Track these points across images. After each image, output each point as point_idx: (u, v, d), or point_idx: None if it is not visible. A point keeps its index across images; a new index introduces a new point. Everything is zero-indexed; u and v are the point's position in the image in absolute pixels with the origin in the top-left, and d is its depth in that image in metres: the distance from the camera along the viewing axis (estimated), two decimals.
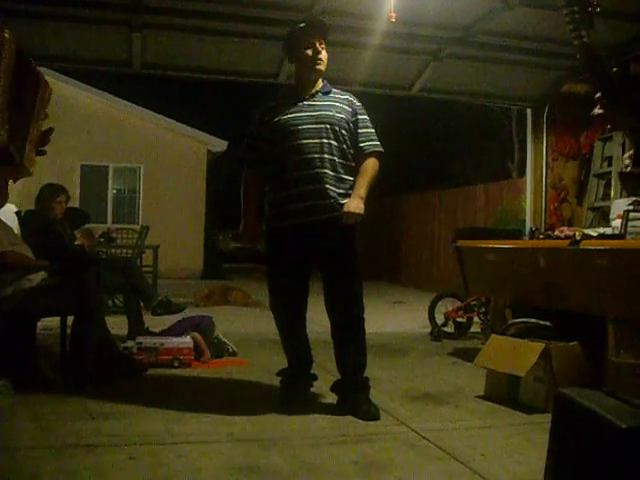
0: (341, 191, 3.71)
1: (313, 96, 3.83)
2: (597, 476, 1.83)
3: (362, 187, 3.74)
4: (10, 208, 5.12)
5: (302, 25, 3.85)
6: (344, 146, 3.77)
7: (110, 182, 15.84)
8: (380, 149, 3.86)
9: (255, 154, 3.89)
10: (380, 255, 14.79)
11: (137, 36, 5.65)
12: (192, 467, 2.80)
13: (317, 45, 3.77)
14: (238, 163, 3.99)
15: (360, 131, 3.84)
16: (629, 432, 1.75)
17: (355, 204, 3.66)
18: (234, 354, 5.29)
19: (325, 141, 3.71)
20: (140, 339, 4.91)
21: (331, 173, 3.70)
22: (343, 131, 3.77)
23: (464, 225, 10.74)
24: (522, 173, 10.53)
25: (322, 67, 3.81)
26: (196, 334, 5.12)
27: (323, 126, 3.72)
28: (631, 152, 2.30)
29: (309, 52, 3.77)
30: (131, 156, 15.61)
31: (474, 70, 6.45)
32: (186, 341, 4.95)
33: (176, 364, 4.77)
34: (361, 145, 3.83)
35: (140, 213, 15.76)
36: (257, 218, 3.87)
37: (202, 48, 6.01)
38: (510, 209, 10.52)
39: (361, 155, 3.82)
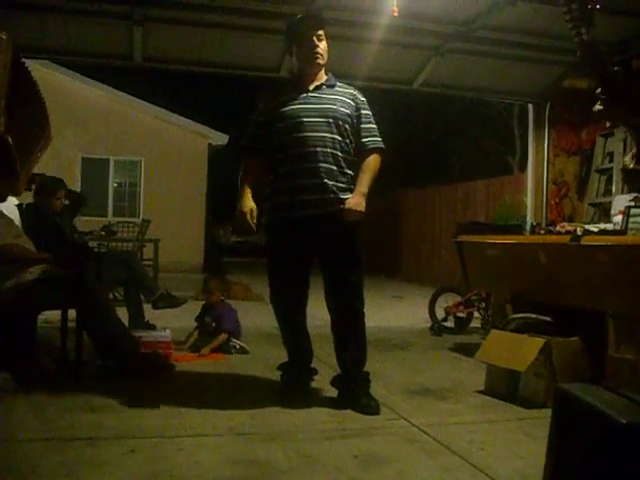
0: (342, 185, 3.71)
1: (318, 88, 3.81)
2: (597, 471, 1.83)
3: (364, 184, 3.73)
4: (12, 201, 5.12)
5: (298, 19, 3.84)
6: (347, 140, 3.76)
7: (111, 175, 15.85)
8: (382, 145, 3.85)
9: (257, 143, 3.85)
10: (379, 250, 14.79)
11: (138, 29, 5.64)
12: (192, 460, 2.80)
13: (314, 39, 3.74)
14: (240, 151, 3.93)
15: (363, 126, 3.83)
16: (629, 427, 1.75)
17: (356, 201, 3.65)
18: (244, 352, 5.26)
19: (329, 135, 3.69)
20: None
21: (334, 167, 3.69)
22: (346, 126, 3.76)
23: (465, 220, 10.73)
24: (523, 168, 10.52)
25: (321, 60, 3.79)
26: (224, 335, 5.18)
27: (327, 120, 3.71)
28: (634, 151, 2.30)
29: (306, 47, 3.76)
30: (132, 149, 15.61)
31: (476, 65, 6.44)
32: (165, 335, 4.94)
33: None
34: (363, 141, 3.82)
35: (141, 206, 15.76)
36: (253, 205, 3.77)
37: (203, 42, 6.00)
38: (511, 204, 10.52)
39: (363, 151, 3.81)
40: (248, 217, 3.72)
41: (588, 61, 2.20)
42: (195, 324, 5.46)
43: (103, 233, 8.96)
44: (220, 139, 16.79)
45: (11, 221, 4.59)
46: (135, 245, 9.45)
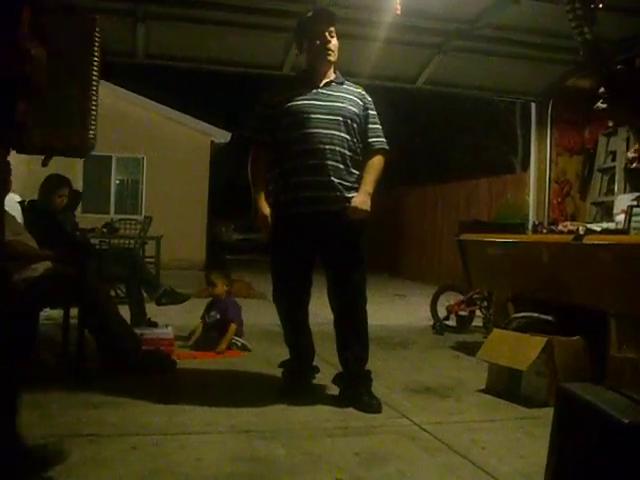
0: (348, 184, 3.70)
1: (328, 85, 3.80)
2: (599, 471, 1.83)
3: (369, 183, 3.72)
4: (13, 197, 5.13)
5: (310, 15, 3.83)
6: (354, 139, 3.75)
7: (113, 172, 15.83)
8: (387, 147, 3.85)
9: (262, 135, 3.80)
10: (381, 248, 14.78)
11: (141, 26, 5.63)
12: (193, 457, 2.80)
13: (326, 35, 3.74)
14: (245, 141, 3.87)
15: (370, 127, 3.82)
16: (632, 427, 1.75)
17: (361, 199, 3.65)
18: (245, 349, 5.26)
19: (336, 133, 3.68)
20: None
21: (341, 166, 3.68)
22: (354, 125, 3.75)
23: (467, 219, 10.72)
24: (526, 167, 10.51)
25: (332, 57, 3.78)
26: (234, 325, 5.22)
27: (336, 118, 3.69)
28: (636, 147, 2.30)
29: (318, 43, 3.75)
30: (134, 147, 15.59)
31: (479, 63, 6.43)
32: (167, 332, 4.95)
33: None
34: (370, 141, 3.81)
35: (143, 204, 15.75)
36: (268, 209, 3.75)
37: (206, 39, 5.99)
38: (513, 203, 10.51)
39: (369, 151, 3.81)
40: (269, 221, 3.72)
41: (591, 59, 2.19)
42: (199, 322, 5.45)
43: (105, 230, 8.95)
44: (222, 137, 16.77)
45: (12, 218, 4.59)
46: (137, 242, 9.44)
